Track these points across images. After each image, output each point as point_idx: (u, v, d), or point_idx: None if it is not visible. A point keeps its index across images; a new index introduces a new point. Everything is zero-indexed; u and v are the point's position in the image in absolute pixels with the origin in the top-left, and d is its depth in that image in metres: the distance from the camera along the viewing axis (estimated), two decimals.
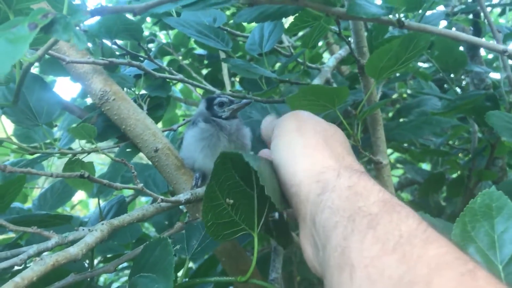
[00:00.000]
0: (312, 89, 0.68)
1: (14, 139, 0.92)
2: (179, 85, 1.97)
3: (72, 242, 0.60)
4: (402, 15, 1.19)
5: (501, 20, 2.05)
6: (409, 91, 1.91)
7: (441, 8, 1.51)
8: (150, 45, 1.56)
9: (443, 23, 1.72)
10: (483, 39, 0.52)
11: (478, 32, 1.54)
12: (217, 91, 1.09)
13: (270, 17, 0.51)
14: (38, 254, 0.56)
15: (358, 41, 0.78)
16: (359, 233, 0.40)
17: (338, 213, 0.43)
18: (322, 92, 0.68)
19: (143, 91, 0.93)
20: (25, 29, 0.38)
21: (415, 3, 0.66)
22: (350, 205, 0.43)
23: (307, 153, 0.52)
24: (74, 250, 0.54)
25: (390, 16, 0.54)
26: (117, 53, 0.99)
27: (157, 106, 0.91)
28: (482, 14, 1.76)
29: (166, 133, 1.02)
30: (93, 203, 2.55)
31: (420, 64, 1.88)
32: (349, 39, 0.84)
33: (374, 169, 0.85)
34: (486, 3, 1.26)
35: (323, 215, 0.45)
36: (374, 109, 0.76)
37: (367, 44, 0.79)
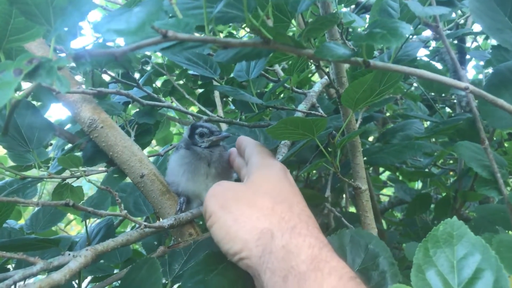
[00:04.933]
0: (291, 120, 0.70)
1: (8, 159, 0.95)
2: (174, 105, 2.00)
3: (57, 267, 0.62)
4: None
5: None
6: (400, 111, 1.95)
7: (427, 33, 1.56)
8: (145, 66, 1.60)
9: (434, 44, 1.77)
10: (445, 77, 0.55)
11: (463, 56, 1.59)
12: (206, 115, 1.12)
13: (244, 57, 0.54)
14: (24, 279, 0.59)
15: (337, 72, 0.82)
16: None
17: (276, 274, 0.48)
18: (301, 122, 0.71)
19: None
20: (11, 75, 0.41)
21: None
22: (285, 265, 0.47)
23: (239, 225, 0.55)
24: (57, 276, 0.56)
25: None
26: (110, 75, 1.03)
27: (145, 131, 0.94)
28: (469, 38, 1.81)
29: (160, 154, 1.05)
30: (89, 220, 2.58)
31: (415, 84, 1.93)
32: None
33: (354, 194, 0.88)
34: (466, 31, 1.30)
35: (265, 276, 0.49)
36: (352, 137, 0.79)
37: (346, 74, 0.83)
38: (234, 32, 1.99)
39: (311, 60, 0.83)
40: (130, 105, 1.21)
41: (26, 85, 0.47)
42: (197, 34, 0.51)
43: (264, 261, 0.50)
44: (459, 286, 0.49)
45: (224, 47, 0.51)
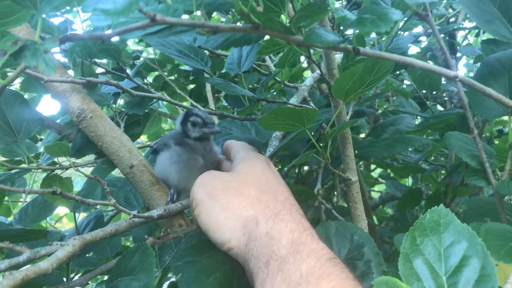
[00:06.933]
0: (282, 110, 0.70)
1: None
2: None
3: (45, 257, 0.62)
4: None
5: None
6: (391, 108, 1.96)
7: (419, 29, 1.57)
8: (137, 61, 1.58)
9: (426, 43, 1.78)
10: (435, 66, 0.55)
11: (453, 52, 1.59)
12: (199, 108, 1.11)
13: (234, 43, 0.54)
14: (10, 269, 0.58)
15: (328, 63, 0.81)
16: (271, 277, 0.45)
17: (259, 260, 0.49)
18: (292, 113, 0.71)
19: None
20: None
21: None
22: (267, 250, 0.48)
23: (227, 214, 0.56)
24: (44, 265, 0.55)
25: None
26: (100, 70, 1.02)
27: (135, 123, 0.94)
28: (459, 34, 1.82)
29: (146, 149, 1.04)
30: (80, 216, 2.54)
31: (406, 81, 1.94)
32: None
33: (345, 186, 0.88)
34: (457, 25, 1.30)
35: (251, 264, 0.50)
36: (342, 128, 0.79)
37: (337, 66, 0.83)
38: None
39: (302, 51, 0.82)
40: (120, 99, 1.20)
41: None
42: None
43: (249, 248, 0.51)
44: (446, 274, 0.49)
45: (214, 32, 0.51)
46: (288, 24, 0.53)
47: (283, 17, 0.74)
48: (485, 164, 0.66)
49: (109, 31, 0.46)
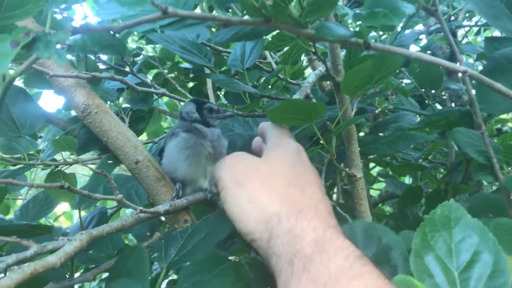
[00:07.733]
0: (292, 103, 0.70)
1: None
2: (165, 98, 1.99)
3: (51, 252, 0.61)
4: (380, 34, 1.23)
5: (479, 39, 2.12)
6: (391, 106, 1.96)
7: (420, 27, 1.57)
8: (137, 58, 1.58)
9: (424, 41, 1.78)
10: (445, 60, 0.55)
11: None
12: None
13: (244, 37, 0.54)
14: (17, 263, 0.58)
15: (334, 59, 0.81)
16: (297, 276, 0.44)
17: (282, 258, 0.47)
18: (302, 106, 0.71)
19: (126, 105, 0.95)
20: (7, 46, 0.40)
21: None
22: (290, 249, 0.47)
23: (253, 205, 0.55)
24: (52, 259, 0.55)
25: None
26: (103, 66, 1.01)
27: (139, 119, 0.94)
28: (458, 33, 1.82)
29: (150, 145, 1.04)
30: (77, 214, 2.54)
31: (405, 80, 1.94)
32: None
33: (349, 182, 0.88)
34: (458, 23, 1.31)
35: (272, 261, 0.49)
36: (349, 124, 0.79)
37: (342, 62, 0.83)
38: None
39: (308, 47, 0.82)
40: (121, 97, 1.20)
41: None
42: None
43: (270, 245, 0.50)
44: (458, 269, 0.49)
45: (224, 26, 0.51)
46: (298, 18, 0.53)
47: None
48: (492, 160, 0.66)
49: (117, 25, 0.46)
